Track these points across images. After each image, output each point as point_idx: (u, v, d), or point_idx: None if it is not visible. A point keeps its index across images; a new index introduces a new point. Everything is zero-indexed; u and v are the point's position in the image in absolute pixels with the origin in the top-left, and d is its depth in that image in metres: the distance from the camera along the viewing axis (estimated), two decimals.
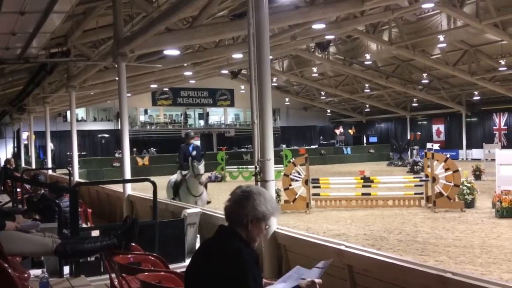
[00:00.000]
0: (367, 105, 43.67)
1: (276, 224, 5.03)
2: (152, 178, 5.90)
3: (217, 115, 44.89)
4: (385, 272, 3.73)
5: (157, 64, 15.37)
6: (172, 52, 14.46)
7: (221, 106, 44.03)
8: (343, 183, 14.51)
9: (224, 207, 2.50)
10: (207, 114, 44.12)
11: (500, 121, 36.58)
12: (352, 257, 4.04)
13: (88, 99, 26.00)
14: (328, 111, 48.32)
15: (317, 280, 2.45)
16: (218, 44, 16.93)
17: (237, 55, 18.51)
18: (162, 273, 3.42)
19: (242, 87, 37.05)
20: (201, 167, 9.54)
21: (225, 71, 29.55)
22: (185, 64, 19.62)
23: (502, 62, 28.41)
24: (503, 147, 26.15)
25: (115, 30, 10.25)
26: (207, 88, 41.36)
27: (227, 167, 24.88)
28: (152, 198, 5.69)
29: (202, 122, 43.97)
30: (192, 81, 32.69)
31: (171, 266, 4.11)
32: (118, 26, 10.17)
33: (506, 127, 36.02)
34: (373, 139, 45.03)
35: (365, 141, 44.17)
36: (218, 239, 2.46)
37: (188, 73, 23.35)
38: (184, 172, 10.08)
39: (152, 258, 3.85)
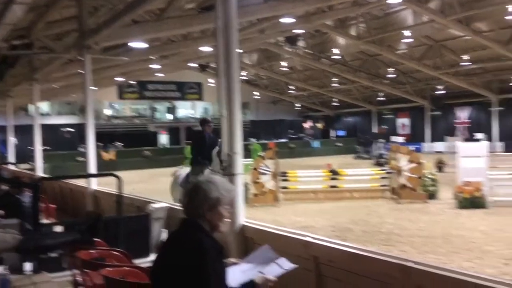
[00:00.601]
0: (335, 99, 44.18)
1: (243, 218, 5.04)
2: (118, 173, 5.81)
3: (186, 109, 44.53)
4: (350, 262, 3.79)
5: (124, 57, 15.11)
6: (139, 44, 14.25)
7: (189, 99, 43.67)
8: (311, 176, 14.66)
9: (181, 204, 2.50)
10: (175, 108, 43.70)
11: (462, 114, 37.71)
12: (317, 248, 4.09)
13: (53, 92, 25.34)
14: (297, 105, 48.66)
15: (272, 278, 2.49)
16: (186, 37, 16.78)
17: (206, 48, 18.38)
18: (126, 268, 3.38)
19: (211, 80, 36.84)
20: None
21: (193, 64, 29.29)
22: (152, 57, 19.36)
23: (465, 57, 29.25)
24: (465, 140, 26.92)
25: (80, 22, 10.02)
26: (175, 81, 40.96)
27: None
28: (117, 193, 5.61)
29: (169, 116, 43.52)
30: (159, 74, 32.30)
31: (136, 261, 4.06)
32: (83, 18, 9.95)
33: (468, 120, 37.13)
34: (341, 133, 45.64)
35: (333, 135, 44.73)
36: (180, 232, 2.47)
37: (155, 66, 23.07)
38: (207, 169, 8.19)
39: (117, 253, 3.80)
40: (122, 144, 34.66)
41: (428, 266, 3.18)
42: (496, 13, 22.04)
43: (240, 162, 5.04)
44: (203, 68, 29.74)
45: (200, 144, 8.54)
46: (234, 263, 2.61)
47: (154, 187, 18.04)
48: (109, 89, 36.28)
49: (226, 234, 4.74)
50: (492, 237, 8.51)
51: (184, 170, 9.32)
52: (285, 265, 2.59)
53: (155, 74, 30.88)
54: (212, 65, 28.02)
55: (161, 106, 43.35)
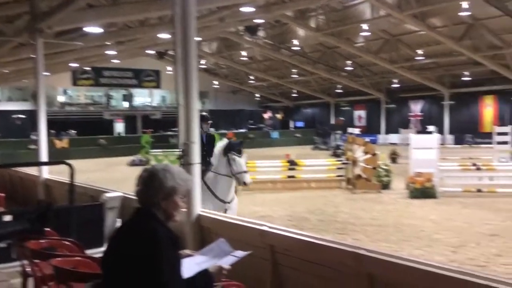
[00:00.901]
0: (295, 90, 44.53)
1: (199, 207, 5.01)
2: (72, 162, 5.62)
3: (143, 97, 43.71)
4: (305, 251, 3.84)
5: (78, 41, 14.64)
6: (94, 29, 13.82)
7: (146, 87, 42.88)
8: (270, 167, 14.76)
9: (135, 192, 2.44)
10: (132, 95, 42.81)
11: (415, 108, 38.90)
12: (274, 237, 4.11)
13: (3, 77, 24.27)
14: (257, 95, 48.74)
15: (226, 266, 2.50)
16: (143, 23, 16.42)
17: (164, 35, 18.06)
18: (78, 258, 3.29)
19: (169, 68, 36.29)
20: (243, 161, 6.58)
21: (151, 51, 28.76)
22: (108, 43, 18.84)
23: (420, 52, 30.11)
24: (418, 132, 27.78)
25: (32, 5, 9.61)
26: (131, 68, 40.09)
27: (152, 150, 24.36)
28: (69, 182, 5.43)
29: (126, 104, 42.61)
30: (115, 61, 31.54)
31: (89, 251, 3.96)
32: (35, 0, 9.53)
33: (421, 113, 38.34)
34: (300, 124, 46.12)
35: (292, 126, 45.14)
36: (134, 221, 2.42)
37: (111, 52, 22.48)
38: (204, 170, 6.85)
39: (68, 243, 3.69)
40: (75, 132, 33.71)
41: (379, 254, 3.25)
42: (450, 9, 22.74)
43: (197, 152, 4.99)
44: (161, 55, 29.27)
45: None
46: (189, 255, 2.59)
47: (109, 176, 17.69)
48: (63, 75, 35.10)
49: (182, 224, 4.70)
50: (441, 226, 8.84)
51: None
52: (238, 253, 2.60)
53: (111, 60, 30.13)
54: (170, 52, 27.62)
55: (117, 94, 42.38)
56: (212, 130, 33.35)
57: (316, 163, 15.68)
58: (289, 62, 35.06)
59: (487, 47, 27.05)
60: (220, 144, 6.68)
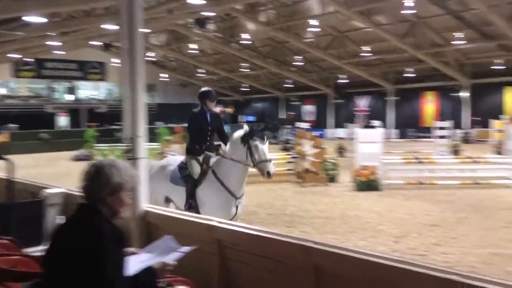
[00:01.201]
0: (245, 85, 44.60)
1: (146, 203, 4.91)
2: (12, 156, 5.37)
3: (88, 90, 42.33)
4: (253, 245, 3.84)
5: (19, 31, 13.95)
6: (36, 19, 13.20)
7: (91, 80, 41.56)
8: None
9: (80, 187, 2.37)
10: (76, 88, 41.36)
11: (361, 103, 40.00)
12: (221, 232, 4.10)
13: None
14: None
15: (170, 262, 2.49)
16: (89, 13, 15.88)
17: (110, 26, 17.55)
18: (16, 257, 3.14)
19: (116, 60, 35.35)
20: (267, 149, 5.64)
21: (96, 43, 27.87)
22: (51, 33, 18.09)
23: (366, 48, 30.93)
24: (364, 127, 28.57)
25: None
26: (76, 60, 38.74)
27: (97, 145, 23.67)
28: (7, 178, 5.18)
29: (70, 97, 41.12)
30: (59, 52, 30.37)
31: (28, 250, 3.80)
32: None
33: (367, 108, 39.47)
34: (250, 118, 46.26)
35: (242, 120, 45.12)
36: (77, 217, 2.35)
37: (54, 43, 21.60)
38: (212, 157, 5.95)
39: (5, 241, 3.52)
40: (17, 125, 32.22)
41: (326, 246, 3.31)
42: (395, 7, 23.49)
43: (143, 146, 4.88)
44: (107, 47, 28.43)
45: (198, 127, 5.99)
46: (134, 253, 2.55)
47: (51, 172, 17.04)
48: (2, 66, 33.42)
49: (128, 220, 4.59)
50: (384, 217, 9.15)
51: (173, 159, 6.57)
52: (183, 249, 2.59)
53: (55, 52, 28.98)
54: (117, 44, 26.91)
55: (60, 86, 40.80)
56: (160, 123, 32.68)
57: None
58: (239, 56, 35.07)
59: (429, 45, 28.18)
60: (239, 131, 5.77)
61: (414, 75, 34.52)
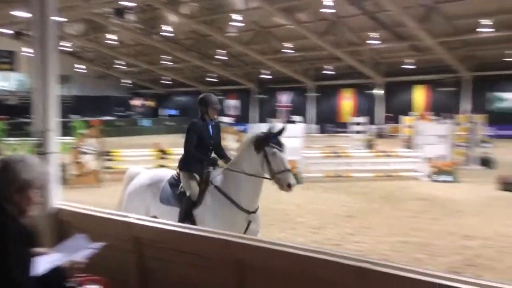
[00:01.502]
0: (167, 78, 43.81)
1: (59, 200, 4.66)
2: None
3: None
4: (173, 241, 3.80)
5: None
6: None
7: (1, 70, 38.70)
8: (137, 156, 14.34)
9: None
10: None
11: (283, 98, 40.86)
12: (140, 229, 4.00)
13: None
14: (128, 81, 46.95)
15: (81, 260, 2.46)
16: None
17: (21, 13, 16.43)
18: None
19: (27, 49, 33.18)
20: (286, 157, 4.80)
21: (6, 31, 25.99)
22: None
23: (288, 45, 31.58)
24: (286, 122, 29.23)
25: None
26: None
27: (6, 139, 22.10)
28: None
29: None
30: None
31: None
32: None
33: (289, 104, 40.38)
34: (173, 112, 45.58)
35: (164, 114, 44.41)
36: None
37: None
38: (211, 171, 5.06)
39: None
40: None
41: (247, 239, 3.34)
42: (315, 5, 24.20)
43: (55, 140, 4.62)
44: (17, 35, 26.65)
45: (198, 141, 5.12)
46: (44, 253, 2.44)
47: None
48: None
49: (39, 219, 4.34)
50: (304, 209, 9.42)
51: (163, 173, 5.58)
52: (93, 245, 2.52)
53: None
54: (28, 32, 25.32)
55: None
56: (76, 116, 31.26)
57: None
58: (160, 48, 34.36)
59: (347, 44, 29.35)
60: (251, 136, 4.95)
61: (333, 72, 35.82)
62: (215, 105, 5.19)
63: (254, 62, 36.15)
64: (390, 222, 8.26)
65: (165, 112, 45.92)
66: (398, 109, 32.68)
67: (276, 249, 3.05)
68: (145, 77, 45.20)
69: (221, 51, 34.75)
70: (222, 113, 36.80)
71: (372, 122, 30.74)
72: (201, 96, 5.35)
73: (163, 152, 14.15)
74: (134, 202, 5.38)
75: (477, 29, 25.01)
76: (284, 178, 4.60)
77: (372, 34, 27.89)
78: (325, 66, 35.31)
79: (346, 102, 38.13)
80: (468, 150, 15.71)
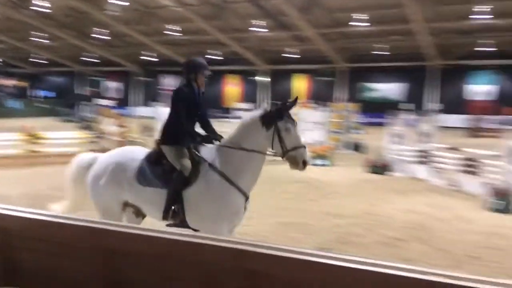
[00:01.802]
0: (42, 57, 40.51)
1: None
2: None
3: None
4: (41, 231, 3.54)
5: None
6: None
7: None
8: (4, 140, 13.09)
9: None
10: None
11: (167, 82, 40.16)
12: (7, 218, 3.66)
13: None
14: None
15: None
16: None
17: None
18: None
19: None
20: (299, 132, 4.24)
21: None
22: None
23: (174, 27, 30.97)
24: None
25: None
26: None
27: None
28: None
29: None
30: None
31: None
32: None
33: (173, 88, 39.91)
34: (48, 93, 42.39)
35: (36, 95, 41.09)
36: None
37: None
38: (201, 145, 4.48)
39: None
40: None
41: (115, 226, 3.21)
42: None
43: None
44: None
45: (187, 109, 4.46)
46: None
47: None
48: None
49: None
50: None
51: (131, 151, 4.77)
52: None
53: None
54: None
55: None
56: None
57: (63, 136, 14.63)
58: (33, 24, 31.58)
59: (232, 30, 29.62)
60: (253, 114, 4.34)
61: (219, 58, 35.96)
62: (206, 70, 4.62)
63: (138, 43, 34.91)
64: (270, 204, 8.56)
65: (39, 93, 42.49)
66: (282, 96, 33.91)
67: (147, 235, 2.97)
68: (14, 54, 41.29)
69: (103, 30, 32.98)
70: (102, 95, 35.11)
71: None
72: (188, 60, 4.80)
73: (33, 136, 13.08)
74: (103, 190, 4.62)
75: (352, 23, 26.81)
76: (299, 154, 4.09)
77: (257, 22, 28.47)
78: (211, 51, 35.32)
79: (231, 88, 38.61)
80: (342, 136, 16.89)
